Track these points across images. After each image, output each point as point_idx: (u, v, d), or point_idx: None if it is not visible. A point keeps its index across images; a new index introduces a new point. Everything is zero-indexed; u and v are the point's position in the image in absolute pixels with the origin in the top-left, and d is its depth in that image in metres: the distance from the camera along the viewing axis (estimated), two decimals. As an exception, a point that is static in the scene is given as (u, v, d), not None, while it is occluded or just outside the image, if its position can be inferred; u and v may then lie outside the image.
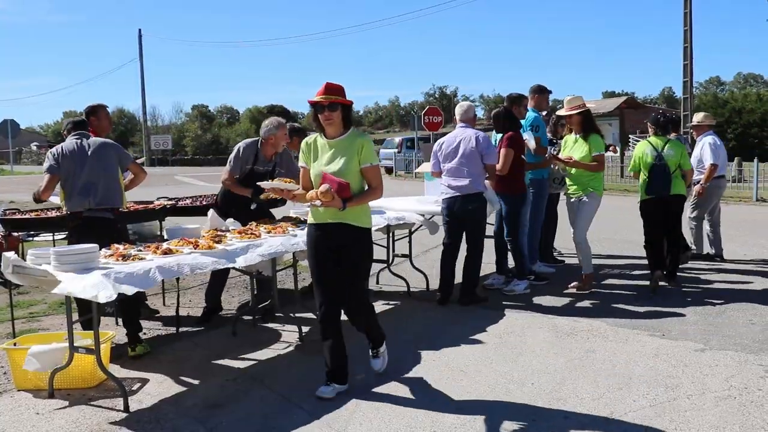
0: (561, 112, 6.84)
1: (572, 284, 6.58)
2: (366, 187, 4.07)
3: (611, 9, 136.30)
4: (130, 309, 4.92)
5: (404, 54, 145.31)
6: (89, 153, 5.01)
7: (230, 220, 5.57)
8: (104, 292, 3.63)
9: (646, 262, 7.54)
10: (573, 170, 6.54)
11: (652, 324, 5.35)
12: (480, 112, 77.18)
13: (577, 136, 6.56)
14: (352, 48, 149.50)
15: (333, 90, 4.01)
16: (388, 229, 6.61)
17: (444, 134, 6.54)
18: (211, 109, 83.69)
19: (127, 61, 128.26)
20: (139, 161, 5.75)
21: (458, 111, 6.39)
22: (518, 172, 6.45)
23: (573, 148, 6.58)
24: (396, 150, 29.78)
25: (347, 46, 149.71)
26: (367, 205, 4.16)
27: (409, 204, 6.97)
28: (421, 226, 6.71)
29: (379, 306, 6.24)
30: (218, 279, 5.89)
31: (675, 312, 5.69)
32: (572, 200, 6.56)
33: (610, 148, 8.04)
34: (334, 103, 3.98)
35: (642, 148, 6.84)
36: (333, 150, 4.02)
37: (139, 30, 49.19)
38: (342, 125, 4.06)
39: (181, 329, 5.55)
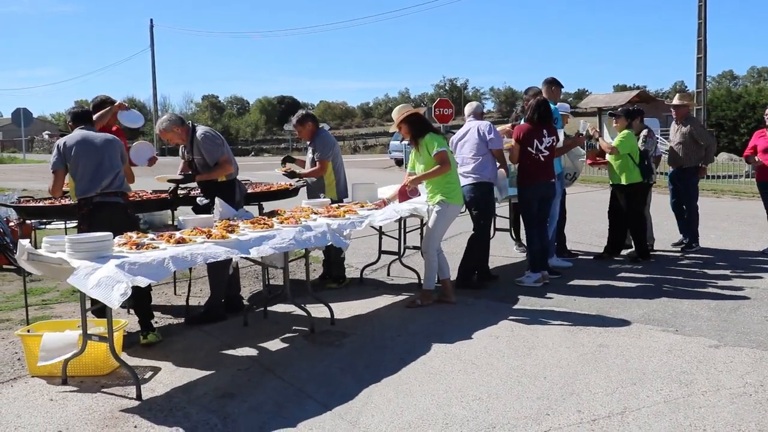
0: (392, 128, 6.01)
1: (411, 299, 6.00)
2: None
3: (623, 1, 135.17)
4: (141, 297, 4.94)
5: (414, 46, 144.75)
6: (100, 143, 5.02)
7: (242, 209, 5.57)
8: (117, 293, 3.65)
9: (657, 255, 7.56)
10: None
11: (665, 319, 5.32)
12: (490, 105, 76.75)
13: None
14: (362, 40, 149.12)
15: None
16: (400, 220, 6.60)
17: (455, 126, 6.60)
18: (222, 99, 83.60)
19: (139, 51, 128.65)
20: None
21: (467, 110, 6.85)
22: (522, 163, 6.48)
23: (416, 161, 5.88)
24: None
25: (358, 37, 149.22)
26: None
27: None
28: None
29: (391, 297, 6.24)
30: (219, 271, 5.50)
31: (688, 307, 5.65)
32: (429, 206, 5.89)
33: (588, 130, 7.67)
34: None
35: (634, 137, 7.46)
36: None
37: (151, 20, 49.44)
38: None
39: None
